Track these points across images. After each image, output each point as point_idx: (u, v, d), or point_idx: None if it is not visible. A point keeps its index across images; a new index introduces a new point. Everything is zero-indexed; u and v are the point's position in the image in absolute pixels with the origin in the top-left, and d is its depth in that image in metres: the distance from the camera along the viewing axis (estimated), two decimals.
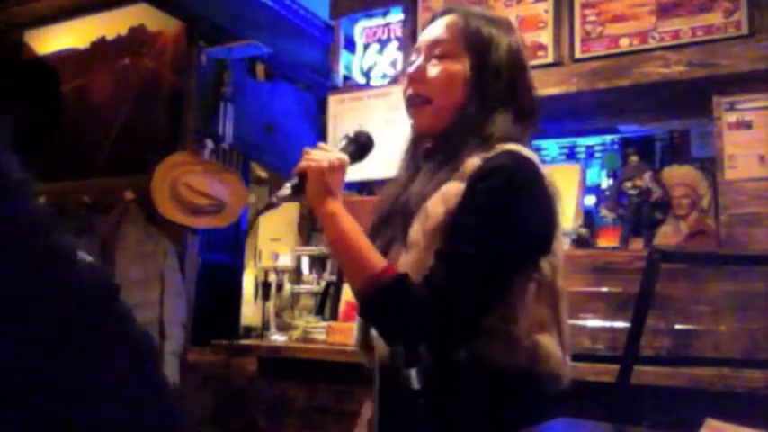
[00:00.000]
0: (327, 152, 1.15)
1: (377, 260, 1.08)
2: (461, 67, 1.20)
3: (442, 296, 1.03)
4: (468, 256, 1.04)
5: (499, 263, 1.06)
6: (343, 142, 1.21)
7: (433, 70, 1.21)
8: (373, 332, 1.17)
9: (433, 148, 1.22)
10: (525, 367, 1.08)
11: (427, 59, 1.23)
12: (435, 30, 1.24)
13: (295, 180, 1.13)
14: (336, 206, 1.11)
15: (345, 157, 1.16)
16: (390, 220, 1.20)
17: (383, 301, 1.06)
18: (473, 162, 1.11)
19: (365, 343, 1.22)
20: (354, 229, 1.11)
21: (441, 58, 1.21)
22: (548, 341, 1.10)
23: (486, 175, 1.08)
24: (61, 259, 0.52)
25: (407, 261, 1.10)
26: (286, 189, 1.13)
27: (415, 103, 1.23)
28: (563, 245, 1.18)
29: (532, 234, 1.11)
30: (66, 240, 0.53)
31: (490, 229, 1.06)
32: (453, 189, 1.10)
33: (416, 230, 1.11)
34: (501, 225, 1.06)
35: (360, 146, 1.22)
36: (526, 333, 1.08)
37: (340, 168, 1.13)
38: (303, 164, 1.13)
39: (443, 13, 1.26)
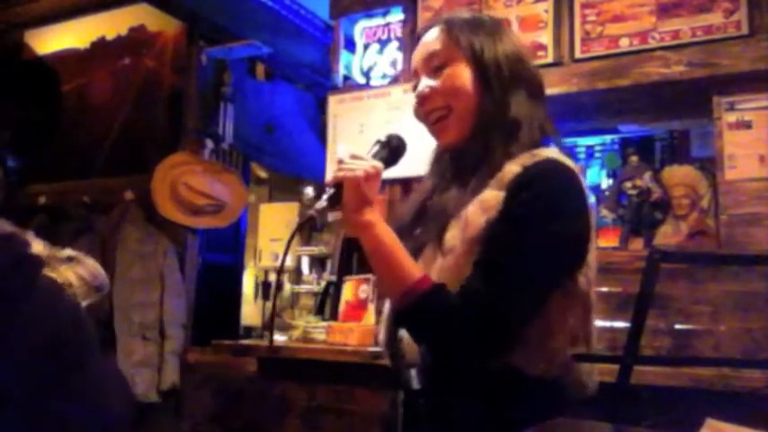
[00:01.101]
0: (362, 161, 1.12)
1: (414, 270, 1.08)
2: (463, 69, 1.19)
3: (480, 306, 1.02)
4: (507, 268, 1.04)
5: (538, 275, 1.06)
6: (376, 147, 1.19)
7: (438, 80, 1.20)
8: (402, 334, 1.16)
9: (464, 150, 1.21)
10: (558, 377, 1.09)
11: (428, 75, 1.22)
12: (425, 46, 1.24)
13: (331, 191, 1.11)
14: (374, 216, 1.10)
15: (380, 165, 1.14)
16: (422, 223, 1.20)
17: (421, 312, 1.06)
18: (512, 169, 1.10)
19: (392, 345, 1.21)
20: (392, 239, 1.10)
21: (440, 68, 1.21)
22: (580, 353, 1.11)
23: (526, 184, 1.08)
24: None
25: (443, 266, 1.09)
26: (323, 201, 1.10)
27: (434, 120, 1.21)
28: (596, 255, 1.18)
29: (571, 246, 1.10)
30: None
31: (530, 241, 1.05)
32: (493, 198, 1.09)
33: (454, 236, 1.10)
34: (541, 237, 1.06)
35: (392, 150, 1.19)
36: (562, 346, 1.09)
37: (376, 177, 1.12)
38: (339, 174, 1.10)
39: (426, 29, 1.26)
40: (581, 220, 1.12)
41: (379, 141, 1.20)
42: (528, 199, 1.07)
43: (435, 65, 1.21)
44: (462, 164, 1.20)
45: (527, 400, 1.08)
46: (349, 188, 1.09)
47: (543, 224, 1.06)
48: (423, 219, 1.21)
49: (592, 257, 1.14)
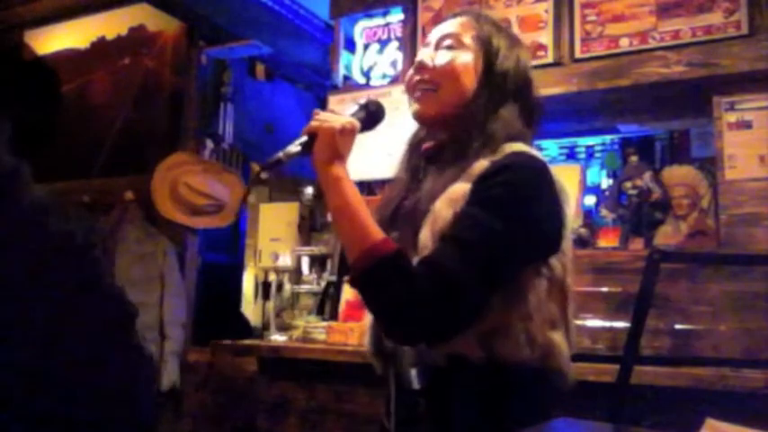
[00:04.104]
0: (339, 116, 1.14)
1: (376, 232, 1.06)
2: (471, 59, 1.20)
3: (438, 278, 1.01)
4: (471, 243, 1.03)
5: (502, 254, 1.05)
6: (354, 108, 1.20)
7: (443, 57, 1.21)
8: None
9: (437, 148, 1.22)
10: (539, 365, 1.08)
11: (437, 49, 1.23)
12: (447, 25, 1.25)
13: (305, 138, 1.11)
14: (342, 171, 1.10)
15: (357, 122, 1.14)
16: (397, 223, 1.19)
17: (378, 273, 1.04)
18: (481, 164, 1.10)
19: (379, 349, 1.21)
20: (357, 198, 1.09)
21: (451, 48, 1.21)
22: (559, 339, 1.10)
23: (494, 172, 1.08)
24: (61, 254, 0.52)
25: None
26: (295, 146, 1.11)
27: (419, 89, 1.22)
28: (571, 245, 1.18)
29: (539, 230, 1.10)
30: (63, 230, 0.53)
31: (496, 221, 1.04)
32: (460, 190, 1.09)
33: (426, 234, 1.10)
34: (507, 218, 1.05)
35: (369, 113, 1.20)
36: (540, 330, 1.08)
37: (351, 132, 1.12)
38: (314, 123, 1.11)
39: (455, 15, 1.27)
40: (549, 206, 1.11)
41: (358, 103, 1.21)
42: (495, 183, 1.07)
43: (447, 44, 1.22)
44: (435, 160, 1.20)
45: (518, 393, 1.08)
46: (323, 138, 1.09)
47: (509, 206, 1.06)
48: (398, 220, 1.20)
49: (567, 246, 1.14)
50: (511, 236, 1.04)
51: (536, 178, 1.11)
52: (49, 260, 0.51)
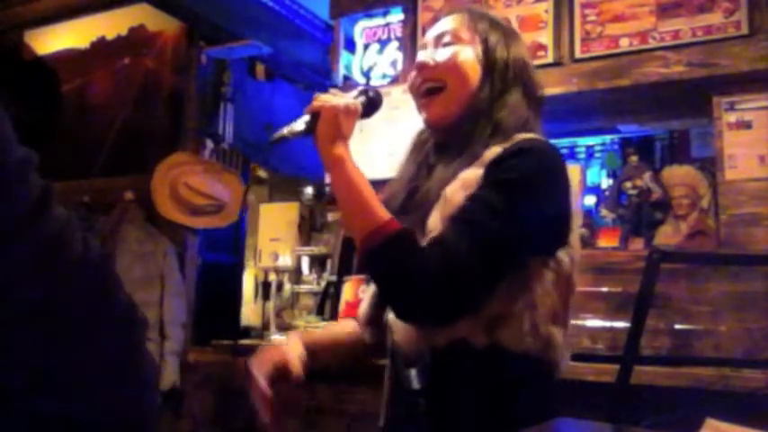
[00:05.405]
0: (343, 97, 1.14)
1: (382, 211, 1.06)
2: (472, 52, 1.20)
3: (445, 255, 1.00)
4: (480, 223, 1.02)
5: (511, 236, 1.04)
6: (354, 92, 1.20)
7: (444, 53, 1.21)
8: (391, 320, 1.16)
9: (446, 139, 1.21)
10: (540, 356, 1.08)
11: (436, 48, 1.23)
12: (442, 23, 1.26)
13: (308, 117, 1.11)
14: (345, 151, 1.10)
15: (359, 104, 1.15)
16: (406, 214, 1.19)
17: (388, 252, 1.03)
18: (494, 150, 1.11)
19: (374, 319, 1.21)
20: (361, 177, 1.09)
21: (450, 44, 1.22)
22: (558, 332, 1.10)
23: (507, 156, 1.08)
24: (62, 250, 0.52)
25: None
26: (299, 124, 1.11)
27: (426, 93, 1.22)
28: (579, 239, 1.17)
29: (550, 214, 1.09)
30: (68, 228, 0.54)
31: (507, 203, 1.04)
32: (473, 176, 1.09)
33: (435, 217, 1.10)
34: (519, 200, 1.05)
35: (369, 99, 1.20)
36: (543, 321, 1.08)
37: (354, 113, 1.13)
38: (317, 103, 1.12)
39: (449, 13, 1.28)
40: (561, 194, 1.11)
41: (358, 89, 1.21)
42: (508, 167, 1.07)
43: (446, 41, 1.22)
44: (445, 151, 1.20)
45: (518, 388, 1.08)
46: (326, 118, 1.10)
47: (521, 188, 1.06)
48: (407, 208, 1.20)
49: (575, 239, 1.14)
50: (521, 218, 1.04)
51: (549, 163, 1.11)
52: (70, 275, 0.52)
